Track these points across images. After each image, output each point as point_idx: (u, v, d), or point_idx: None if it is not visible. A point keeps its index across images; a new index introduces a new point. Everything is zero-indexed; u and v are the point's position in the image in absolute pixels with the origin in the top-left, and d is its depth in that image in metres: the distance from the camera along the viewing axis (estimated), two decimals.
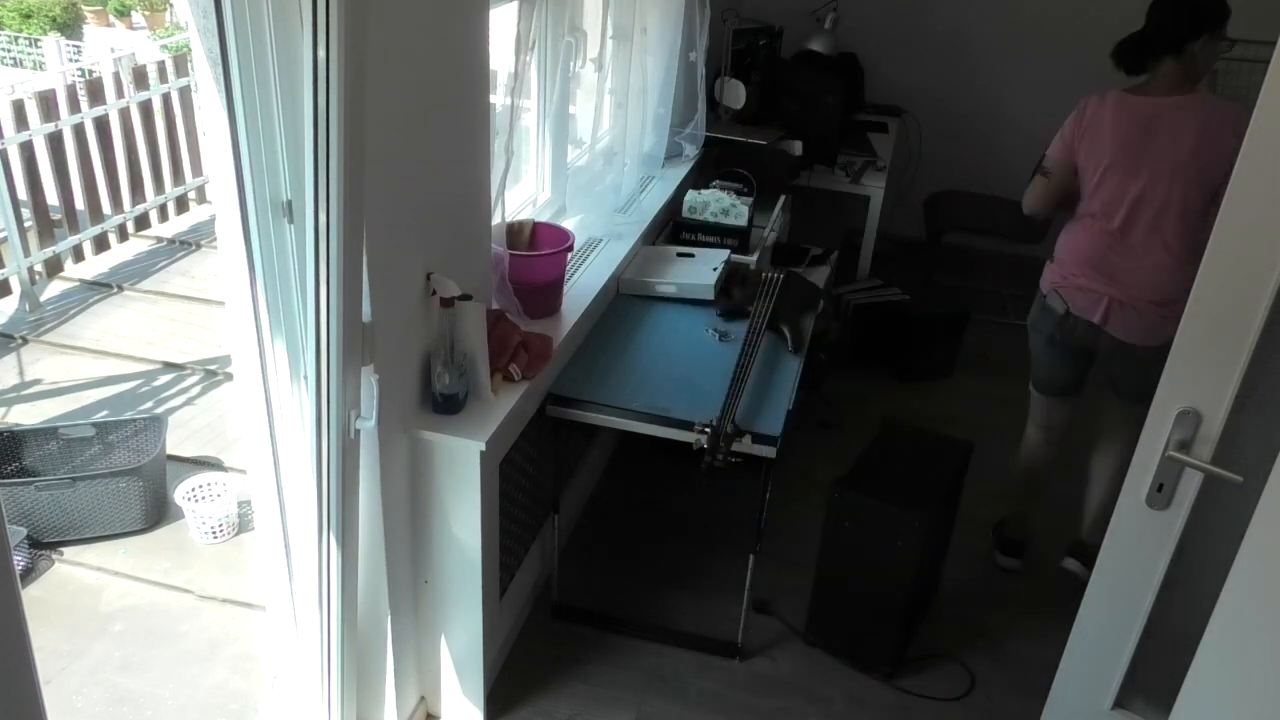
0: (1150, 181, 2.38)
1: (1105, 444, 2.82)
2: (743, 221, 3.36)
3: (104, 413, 3.55)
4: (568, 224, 2.83)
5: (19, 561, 2.75)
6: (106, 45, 11.75)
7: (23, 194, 4.43)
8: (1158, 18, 2.44)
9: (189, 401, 3.66)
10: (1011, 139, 5.03)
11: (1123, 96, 2.45)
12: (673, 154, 3.84)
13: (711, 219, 3.41)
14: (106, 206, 4.95)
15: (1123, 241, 2.46)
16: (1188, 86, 2.40)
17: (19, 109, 4.36)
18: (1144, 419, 1.67)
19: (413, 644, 2.25)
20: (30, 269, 4.39)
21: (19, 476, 2.93)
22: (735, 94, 4.18)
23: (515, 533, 2.44)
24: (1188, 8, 2.39)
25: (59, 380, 3.77)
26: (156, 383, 3.80)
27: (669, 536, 3.03)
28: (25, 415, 3.53)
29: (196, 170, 5.51)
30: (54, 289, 4.52)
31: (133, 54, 8.32)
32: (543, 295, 2.49)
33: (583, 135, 3.28)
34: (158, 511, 2.99)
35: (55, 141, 4.56)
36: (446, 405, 2.05)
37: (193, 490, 2.94)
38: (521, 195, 2.95)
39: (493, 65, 2.13)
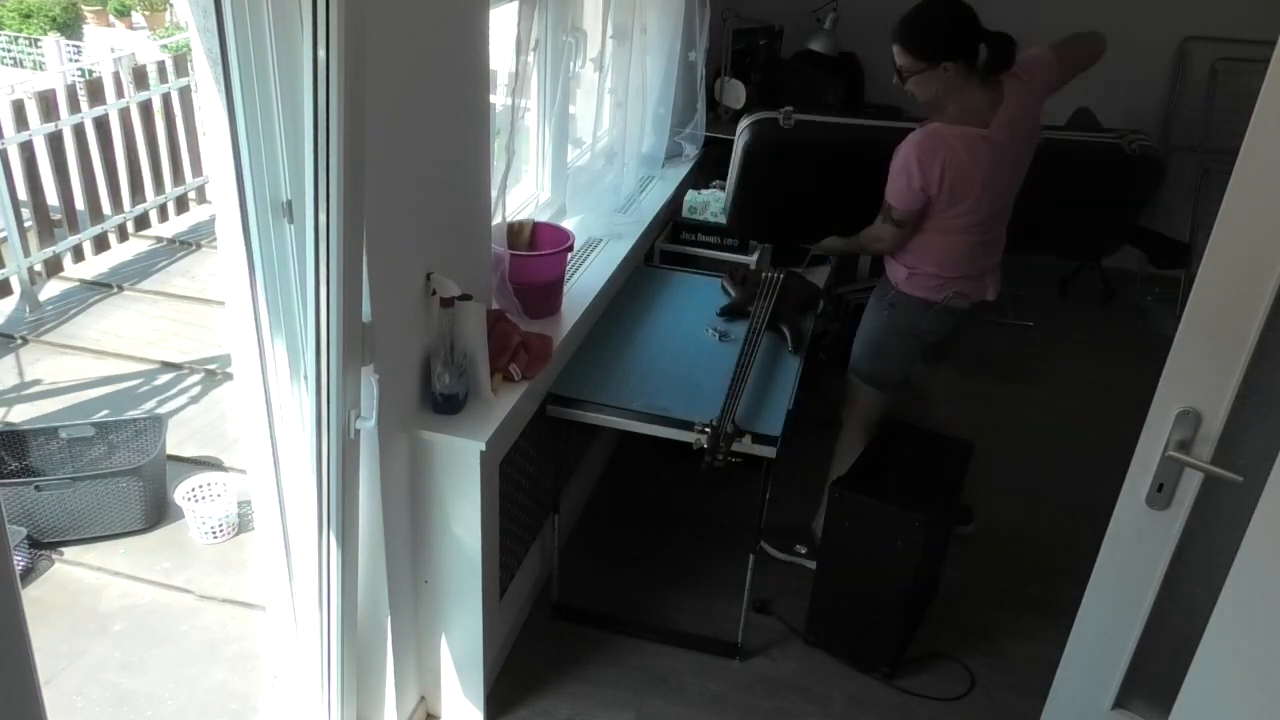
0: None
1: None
2: None
3: (104, 413, 3.55)
4: (568, 224, 2.83)
5: (19, 561, 2.75)
6: (106, 45, 11.74)
7: (23, 194, 4.43)
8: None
9: (189, 401, 3.66)
10: None
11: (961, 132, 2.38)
12: (673, 154, 3.84)
13: (711, 219, 3.41)
14: (106, 206, 4.95)
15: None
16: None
17: (19, 109, 4.35)
18: None
19: (413, 644, 2.25)
20: (30, 269, 4.39)
21: (19, 476, 2.93)
22: (735, 94, 4.18)
23: (515, 533, 2.44)
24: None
25: (59, 380, 3.77)
26: (156, 383, 3.79)
27: (669, 536, 3.03)
28: (25, 415, 3.53)
29: (196, 170, 5.51)
30: (54, 289, 4.52)
31: (133, 54, 8.32)
32: (543, 295, 2.48)
33: (583, 135, 3.28)
34: (158, 511, 2.99)
35: (55, 141, 4.56)
36: (446, 405, 2.05)
37: (193, 490, 2.94)
38: (521, 195, 2.95)
39: (493, 65, 2.13)
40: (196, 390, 3.74)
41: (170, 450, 3.16)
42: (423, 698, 2.35)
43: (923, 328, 2.61)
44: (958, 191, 2.40)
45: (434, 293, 1.98)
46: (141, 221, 5.15)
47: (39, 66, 11.61)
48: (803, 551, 2.81)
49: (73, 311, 4.32)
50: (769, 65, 4.36)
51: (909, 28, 2.37)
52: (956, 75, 2.35)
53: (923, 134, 2.37)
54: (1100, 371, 4.23)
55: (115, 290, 4.53)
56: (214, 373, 3.84)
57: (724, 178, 3.75)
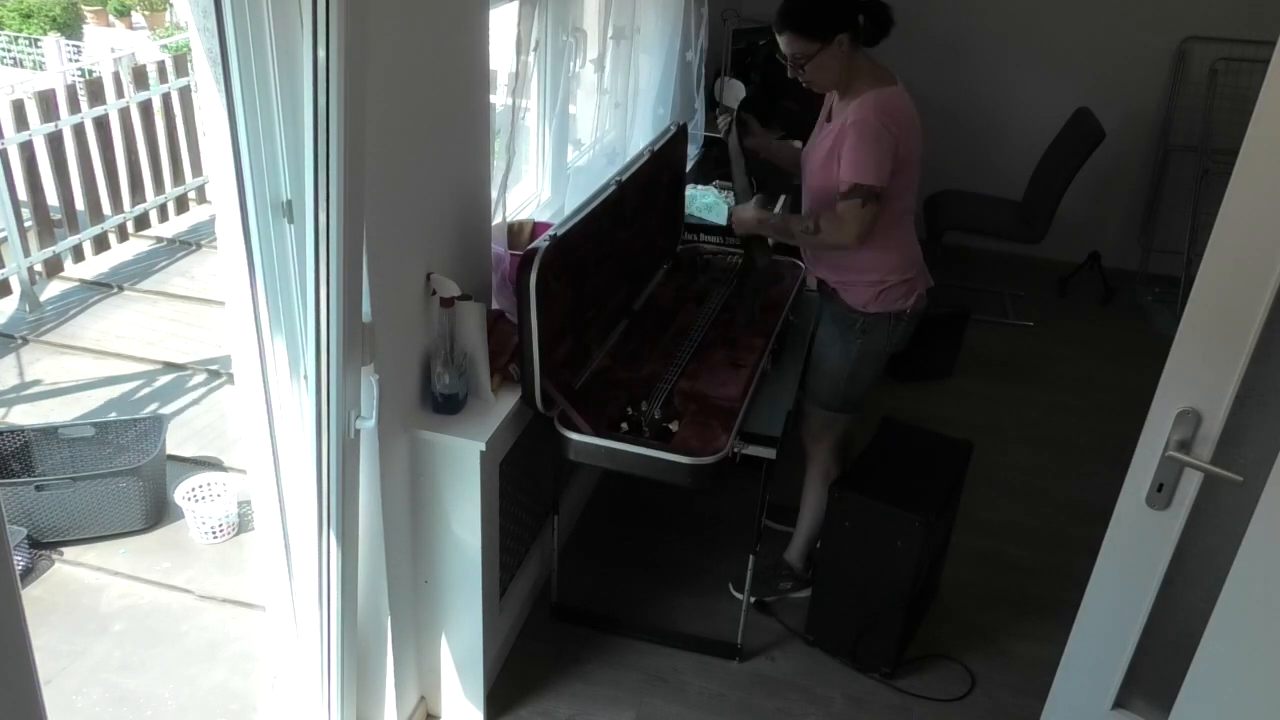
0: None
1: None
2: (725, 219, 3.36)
3: (105, 413, 3.55)
4: None
5: (19, 561, 2.75)
6: (106, 45, 11.75)
7: (23, 194, 4.43)
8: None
9: (189, 402, 3.67)
10: (1011, 139, 5.04)
11: (896, 91, 2.30)
12: None
13: (697, 214, 3.42)
14: (106, 206, 4.95)
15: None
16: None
17: (19, 109, 4.35)
18: None
19: (413, 644, 2.25)
20: (30, 269, 4.38)
21: (20, 476, 2.93)
22: (735, 94, 4.17)
23: (515, 533, 2.44)
24: None
25: (59, 380, 3.77)
26: (157, 383, 3.79)
27: (669, 537, 3.03)
28: (25, 415, 3.53)
29: (196, 170, 5.51)
30: (54, 289, 4.52)
31: (133, 54, 8.33)
32: None
33: (582, 135, 3.28)
34: (158, 511, 2.99)
35: (55, 141, 4.56)
36: (446, 405, 2.05)
37: (193, 490, 2.94)
38: (521, 195, 2.95)
39: (493, 65, 2.14)
40: (197, 390, 3.74)
41: (170, 450, 3.16)
42: (423, 698, 2.35)
43: (895, 342, 2.48)
44: (912, 156, 2.32)
45: (434, 293, 1.98)
46: (141, 221, 5.15)
47: (39, 66, 11.61)
48: (788, 586, 2.79)
49: (73, 311, 4.32)
50: (769, 65, 4.36)
51: (792, 11, 2.24)
52: (851, 47, 2.25)
53: (873, 101, 2.23)
54: (1100, 371, 4.23)
55: (115, 290, 4.53)
56: (215, 373, 3.84)
57: (725, 177, 3.75)
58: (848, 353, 2.49)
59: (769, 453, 2.28)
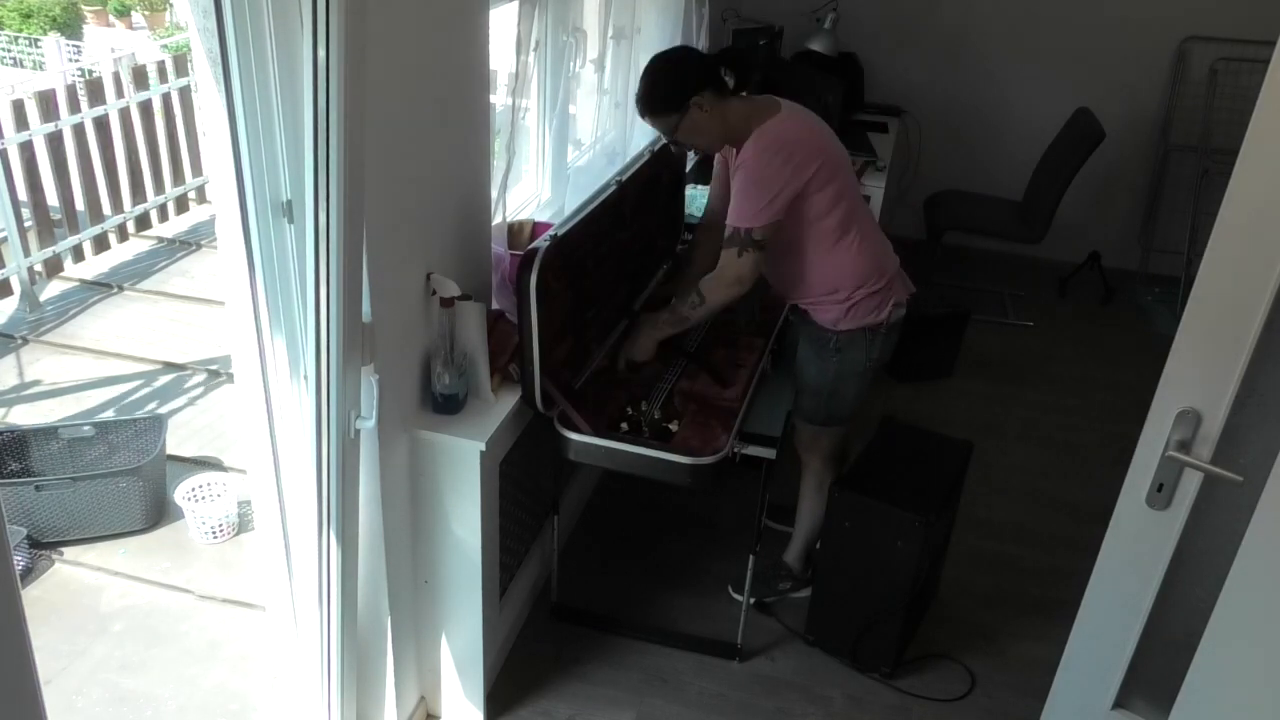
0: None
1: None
2: None
3: (105, 413, 3.55)
4: None
5: (19, 561, 2.75)
6: (106, 45, 11.75)
7: (23, 194, 4.43)
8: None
9: (189, 401, 3.67)
10: (1011, 139, 5.04)
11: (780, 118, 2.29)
12: None
13: (698, 214, 3.42)
14: (106, 206, 4.95)
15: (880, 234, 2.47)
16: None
17: (19, 109, 4.35)
18: None
19: (413, 644, 2.25)
20: (30, 269, 4.38)
21: (19, 476, 2.93)
22: None
23: (515, 533, 2.44)
24: None
25: (59, 380, 3.77)
26: (157, 383, 3.79)
27: (669, 537, 3.03)
28: (25, 415, 3.53)
29: (196, 170, 5.51)
30: (54, 289, 4.52)
31: (133, 54, 8.33)
32: None
33: (582, 135, 3.28)
34: (158, 511, 2.99)
35: (55, 141, 4.56)
36: (446, 405, 2.05)
37: (193, 490, 2.94)
38: (521, 195, 2.95)
39: (493, 65, 2.14)
40: (196, 390, 3.74)
41: (170, 450, 3.16)
42: (423, 698, 2.35)
43: (873, 357, 2.44)
44: (825, 168, 2.26)
45: (434, 293, 1.98)
46: (141, 221, 5.15)
47: (39, 66, 11.60)
48: (787, 586, 2.78)
49: (73, 311, 4.32)
50: (769, 65, 4.36)
51: (641, 98, 2.29)
52: (714, 101, 2.24)
53: (752, 144, 2.23)
54: (1100, 371, 4.23)
55: (115, 290, 4.53)
56: (214, 372, 3.84)
57: None
58: (825, 372, 2.47)
59: (769, 453, 2.28)
